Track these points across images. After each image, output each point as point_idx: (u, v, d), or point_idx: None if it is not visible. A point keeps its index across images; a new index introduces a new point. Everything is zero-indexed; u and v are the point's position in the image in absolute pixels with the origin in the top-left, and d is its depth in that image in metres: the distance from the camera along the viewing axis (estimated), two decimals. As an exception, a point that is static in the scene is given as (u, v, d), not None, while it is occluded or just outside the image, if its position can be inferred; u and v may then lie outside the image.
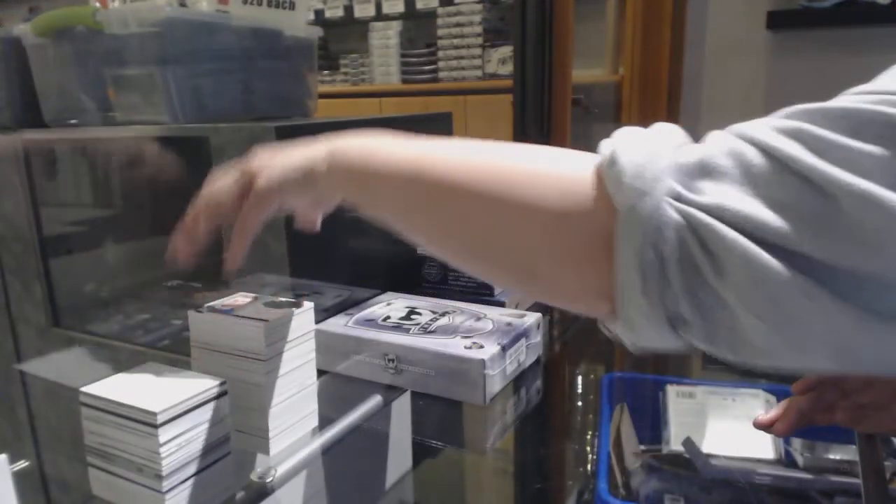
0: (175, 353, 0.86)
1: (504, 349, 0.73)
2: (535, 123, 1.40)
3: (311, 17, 3.04)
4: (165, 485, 0.49)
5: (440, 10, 2.70)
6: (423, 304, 0.86)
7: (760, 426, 0.55)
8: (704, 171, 0.30)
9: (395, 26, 2.89)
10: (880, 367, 0.29)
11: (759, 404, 0.68)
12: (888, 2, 1.82)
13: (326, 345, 0.77)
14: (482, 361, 0.69)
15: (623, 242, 0.31)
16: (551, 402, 0.81)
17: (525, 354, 0.79)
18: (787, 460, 0.64)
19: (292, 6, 0.96)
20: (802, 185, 0.27)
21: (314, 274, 0.80)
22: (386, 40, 2.90)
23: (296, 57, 0.99)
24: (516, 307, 0.95)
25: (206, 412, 0.51)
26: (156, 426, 0.47)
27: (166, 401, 0.48)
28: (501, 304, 0.93)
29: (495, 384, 0.72)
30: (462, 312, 0.83)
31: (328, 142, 0.48)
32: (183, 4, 0.87)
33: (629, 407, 0.70)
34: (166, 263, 0.54)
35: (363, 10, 2.97)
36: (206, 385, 0.51)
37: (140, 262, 1.07)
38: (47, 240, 1.00)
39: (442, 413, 0.74)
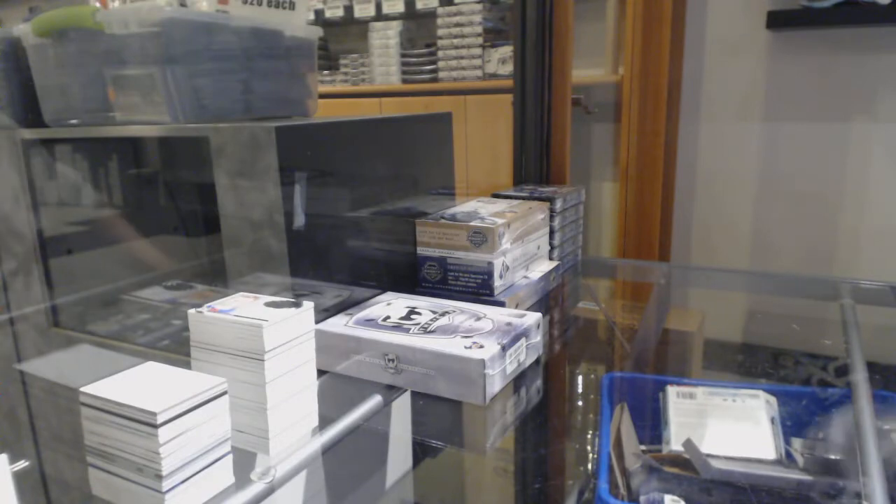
0: (175, 353, 0.86)
1: (504, 349, 0.73)
2: (535, 123, 1.40)
3: (311, 17, 3.04)
4: (165, 485, 0.49)
5: (440, 10, 2.70)
6: (423, 304, 0.86)
7: None
8: None
9: (395, 26, 2.89)
10: None
11: (759, 405, 0.68)
12: (888, 2, 1.82)
13: (326, 345, 0.77)
14: (482, 361, 0.69)
15: None
16: (551, 402, 0.81)
17: (525, 354, 0.79)
18: (787, 461, 0.64)
19: (292, 6, 0.96)
20: None
21: (314, 274, 0.80)
22: (386, 40, 2.90)
23: (296, 57, 0.99)
24: (516, 307, 0.95)
25: (206, 412, 0.51)
26: (156, 426, 0.47)
27: (166, 401, 0.48)
28: (501, 304, 0.93)
29: (495, 384, 0.72)
30: (462, 312, 0.83)
31: None
32: (183, 4, 0.86)
33: (629, 407, 0.70)
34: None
35: (363, 10, 2.97)
36: (206, 385, 0.51)
37: (140, 261, 1.07)
38: (47, 240, 1.00)
39: (442, 413, 0.74)
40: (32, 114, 0.99)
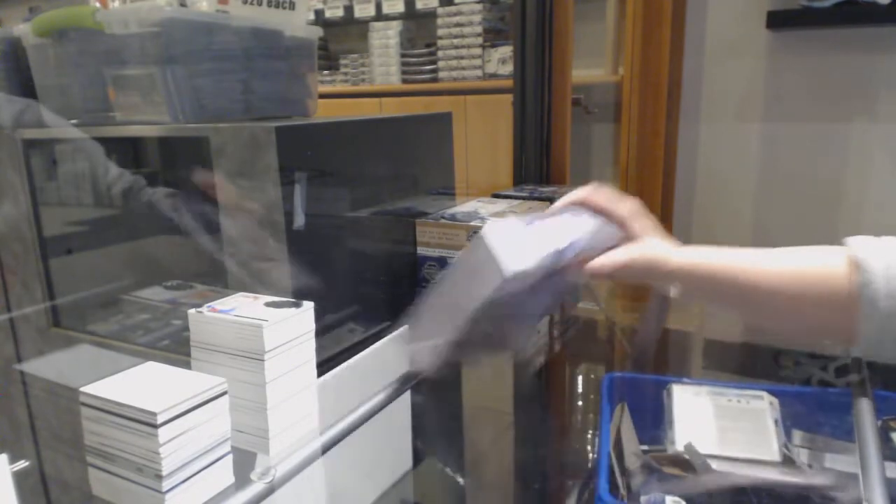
0: (175, 353, 0.86)
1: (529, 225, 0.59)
2: (535, 123, 1.40)
3: (311, 17, 3.04)
4: (165, 485, 0.49)
5: (440, 10, 2.70)
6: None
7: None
8: None
9: (395, 26, 2.89)
10: None
11: (763, 406, 0.68)
12: (888, 2, 1.82)
13: None
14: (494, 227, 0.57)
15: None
16: (551, 402, 0.81)
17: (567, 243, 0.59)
18: (789, 462, 0.64)
19: (292, 6, 0.96)
20: None
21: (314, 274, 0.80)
22: (386, 40, 2.90)
23: (296, 57, 0.99)
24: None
25: (206, 412, 0.51)
26: (156, 426, 0.47)
27: (166, 401, 0.48)
28: None
29: (516, 257, 0.56)
30: None
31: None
32: (183, 4, 0.86)
33: (629, 407, 0.70)
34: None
35: (363, 10, 2.97)
36: (206, 385, 0.51)
37: (140, 262, 1.07)
38: (47, 240, 1.00)
39: (442, 412, 0.74)
40: (32, 114, 0.99)
